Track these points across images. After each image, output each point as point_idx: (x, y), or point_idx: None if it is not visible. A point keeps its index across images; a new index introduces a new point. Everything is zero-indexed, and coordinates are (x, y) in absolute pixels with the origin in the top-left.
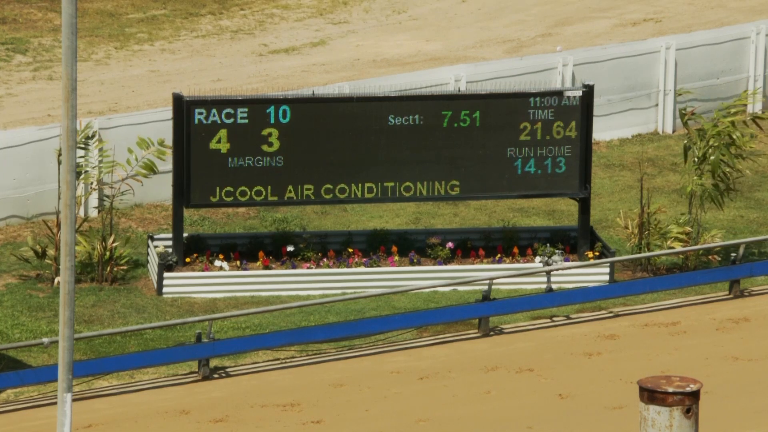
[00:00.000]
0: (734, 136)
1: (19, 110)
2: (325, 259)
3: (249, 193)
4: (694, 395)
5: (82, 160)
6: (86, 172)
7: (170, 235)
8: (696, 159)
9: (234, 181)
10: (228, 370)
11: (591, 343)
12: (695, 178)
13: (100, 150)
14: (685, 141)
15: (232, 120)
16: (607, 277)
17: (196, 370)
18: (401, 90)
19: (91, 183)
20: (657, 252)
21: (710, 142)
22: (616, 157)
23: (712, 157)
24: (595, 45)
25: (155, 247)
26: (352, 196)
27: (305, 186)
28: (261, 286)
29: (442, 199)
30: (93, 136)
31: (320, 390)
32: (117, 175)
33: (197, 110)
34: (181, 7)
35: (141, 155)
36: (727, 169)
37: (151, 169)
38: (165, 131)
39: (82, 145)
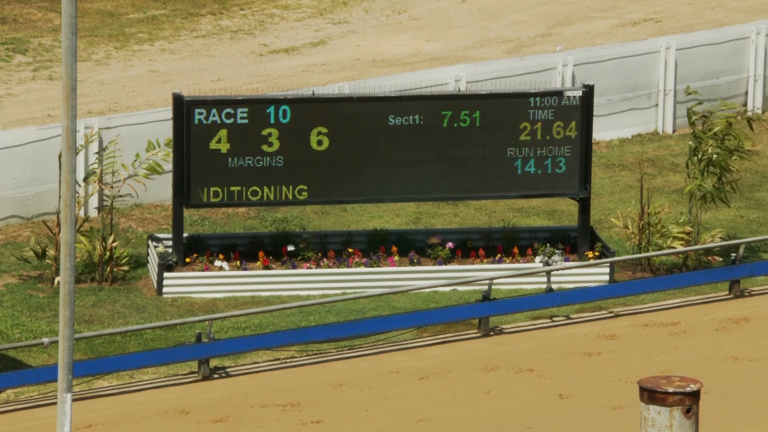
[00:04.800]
0: (732, 134)
1: (19, 110)
2: (325, 259)
3: (249, 193)
4: (694, 395)
5: (94, 164)
6: (93, 173)
7: (170, 235)
8: (698, 159)
9: (234, 181)
10: (228, 370)
11: (591, 343)
12: (695, 179)
13: (106, 148)
14: (690, 141)
15: (232, 120)
16: (607, 277)
17: (196, 370)
18: (401, 90)
19: (95, 182)
20: (657, 252)
21: (709, 143)
22: (616, 157)
23: (714, 156)
24: (595, 45)
25: (155, 247)
26: (352, 196)
27: (305, 186)
28: (261, 286)
29: (442, 199)
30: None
31: (320, 390)
32: (119, 175)
33: (197, 110)
34: (181, 7)
35: (145, 156)
36: (726, 171)
37: (155, 170)
38: (165, 131)
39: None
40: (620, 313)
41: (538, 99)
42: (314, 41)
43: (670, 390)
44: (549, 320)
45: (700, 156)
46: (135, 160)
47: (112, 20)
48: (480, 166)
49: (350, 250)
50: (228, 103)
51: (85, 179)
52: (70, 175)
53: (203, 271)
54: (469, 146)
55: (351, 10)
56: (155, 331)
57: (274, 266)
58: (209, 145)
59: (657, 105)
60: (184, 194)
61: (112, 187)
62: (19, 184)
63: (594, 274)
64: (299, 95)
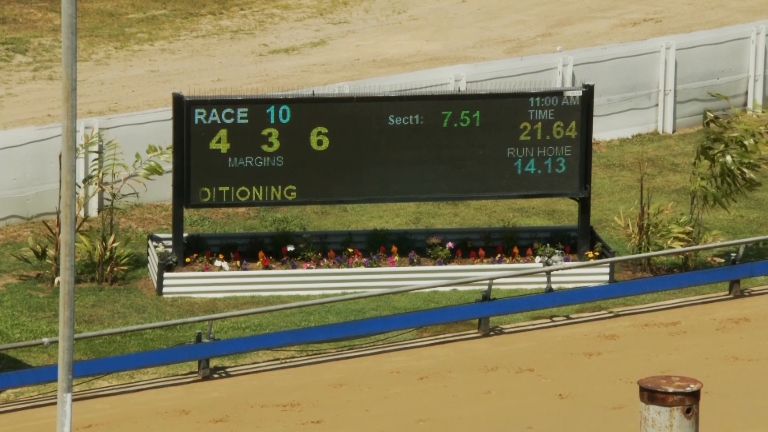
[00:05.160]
0: (746, 143)
1: (19, 110)
2: (325, 259)
3: (249, 193)
4: (694, 395)
5: (94, 162)
6: (91, 176)
7: (170, 235)
8: (704, 162)
9: (234, 181)
10: (228, 370)
11: (591, 343)
12: (699, 179)
13: (107, 147)
14: (703, 142)
15: (232, 120)
16: (607, 277)
17: (196, 370)
18: (401, 90)
19: (96, 183)
20: (657, 252)
21: (721, 147)
22: (616, 157)
23: (721, 159)
24: (595, 45)
25: (155, 247)
26: (352, 196)
27: (305, 186)
28: (261, 286)
29: (442, 199)
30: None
31: (320, 390)
32: (119, 175)
33: (197, 110)
34: (181, 7)
35: (146, 158)
36: (737, 171)
37: (155, 170)
38: (165, 131)
39: (96, 151)
40: (620, 313)
41: (538, 99)
42: (314, 41)
43: (670, 390)
44: (549, 320)
45: (711, 157)
46: (136, 161)
47: (112, 20)
48: (480, 166)
49: (350, 250)
50: (228, 103)
51: (85, 181)
52: (70, 175)
53: (203, 271)
54: (469, 146)
55: (351, 10)
56: (155, 331)
57: (274, 266)
58: (209, 145)
59: (657, 105)
60: (184, 194)
61: (111, 188)
62: (19, 184)
63: (594, 274)
64: (299, 95)
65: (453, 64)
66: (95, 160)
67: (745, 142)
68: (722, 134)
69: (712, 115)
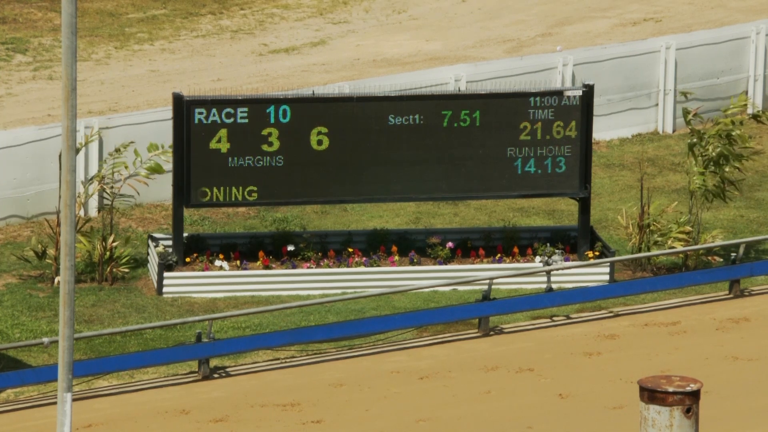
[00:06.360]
0: (733, 134)
1: (19, 110)
2: (325, 259)
3: (249, 192)
4: (694, 395)
5: (101, 164)
6: (95, 178)
7: (170, 235)
8: (697, 159)
9: (234, 180)
10: (228, 370)
11: (591, 343)
12: (695, 178)
13: (117, 150)
14: (690, 140)
15: (232, 120)
16: (607, 277)
17: (196, 370)
18: (401, 90)
19: (97, 181)
20: (657, 252)
21: (710, 141)
22: (616, 157)
23: (714, 153)
24: (595, 45)
25: (155, 246)
26: (352, 196)
27: (305, 186)
28: (261, 286)
29: (442, 199)
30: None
31: (320, 390)
32: (120, 175)
33: (197, 110)
34: (181, 7)
35: (146, 157)
36: (727, 168)
37: (156, 170)
38: (165, 131)
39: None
40: (620, 313)
41: (538, 99)
42: (314, 41)
43: (670, 390)
44: (549, 320)
45: (701, 155)
46: (136, 159)
47: (112, 20)
48: (480, 166)
49: (350, 250)
50: (228, 103)
51: (90, 180)
52: (70, 175)
53: (203, 271)
54: (469, 146)
55: (351, 10)
56: (155, 331)
57: (274, 266)
58: (209, 145)
59: (657, 105)
60: (184, 194)
61: (112, 188)
62: (19, 184)
63: (594, 273)
64: (299, 95)
65: (453, 63)
66: (109, 152)
67: (733, 134)
68: (704, 133)
69: (692, 111)
